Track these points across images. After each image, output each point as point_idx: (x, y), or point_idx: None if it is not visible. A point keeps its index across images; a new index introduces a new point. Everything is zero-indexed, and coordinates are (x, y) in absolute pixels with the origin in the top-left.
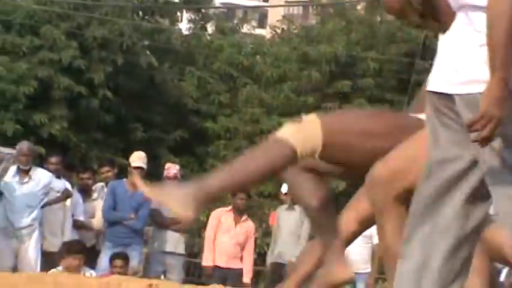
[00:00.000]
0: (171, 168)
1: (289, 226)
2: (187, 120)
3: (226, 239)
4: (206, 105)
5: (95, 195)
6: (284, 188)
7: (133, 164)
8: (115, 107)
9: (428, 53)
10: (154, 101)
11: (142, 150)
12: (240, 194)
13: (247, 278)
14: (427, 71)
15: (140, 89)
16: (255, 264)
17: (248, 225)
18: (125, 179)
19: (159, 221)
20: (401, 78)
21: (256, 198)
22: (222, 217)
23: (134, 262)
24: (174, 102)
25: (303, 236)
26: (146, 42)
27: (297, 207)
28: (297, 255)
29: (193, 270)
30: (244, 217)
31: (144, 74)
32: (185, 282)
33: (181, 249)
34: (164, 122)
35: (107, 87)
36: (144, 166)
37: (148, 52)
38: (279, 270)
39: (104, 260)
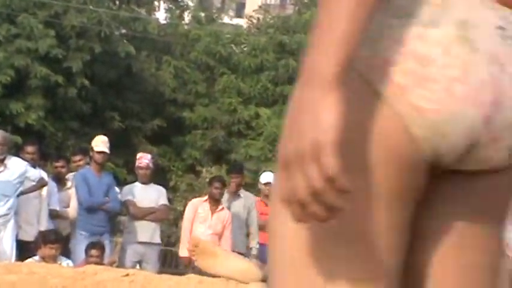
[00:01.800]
0: (143, 158)
1: (234, 213)
2: (165, 109)
3: (203, 229)
4: (183, 94)
5: (68, 184)
6: (263, 178)
7: (96, 149)
8: (92, 96)
9: None
10: (131, 90)
11: (119, 140)
12: (215, 183)
13: None
14: None
15: (117, 78)
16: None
17: (225, 214)
18: (87, 166)
19: (133, 212)
20: None
21: None
22: (198, 207)
23: (108, 251)
24: (151, 91)
25: (252, 223)
26: (123, 31)
27: (242, 193)
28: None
29: (170, 259)
30: (221, 206)
31: (121, 63)
32: (161, 272)
33: (157, 239)
34: (141, 111)
35: (84, 76)
36: (107, 151)
37: (125, 41)
38: None
39: (78, 249)
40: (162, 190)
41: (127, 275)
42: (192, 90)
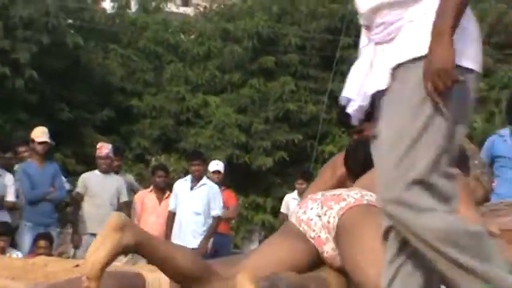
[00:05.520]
0: (103, 148)
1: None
2: (113, 99)
3: (154, 219)
4: (131, 83)
5: (17, 175)
6: (211, 167)
7: (38, 140)
8: (40, 87)
9: (351, 29)
10: (79, 80)
11: (68, 130)
12: (158, 172)
13: None
14: (351, 47)
15: (65, 68)
16: None
17: None
18: (29, 159)
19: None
20: (324, 55)
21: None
22: (145, 198)
23: (56, 242)
24: (99, 81)
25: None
26: (70, 21)
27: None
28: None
29: None
30: (167, 193)
31: (69, 54)
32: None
33: None
34: (89, 101)
35: (31, 68)
36: (49, 140)
37: (72, 31)
38: None
39: (23, 240)
40: (122, 182)
41: (77, 265)
42: (140, 79)
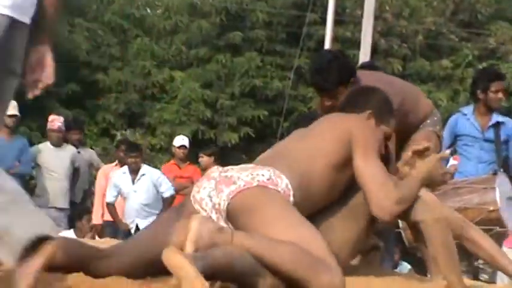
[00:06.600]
0: (55, 121)
1: None
2: (79, 73)
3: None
4: (97, 57)
5: None
6: (177, 141)
7: (8, 113)
8: None
9: (318, 5)
10: None
11: (33, 103)
12: (123, 146)
13: None
14: (317, 23)
15: None
16: None
17: None
18: None
19: None
20: (291, 31)
21: (147, 152)
22: (110, 173)
23: None
24: (65, 55)
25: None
26: None
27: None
28: None
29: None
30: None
31: None
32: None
33: (66, 204)
34: (55, 75)
35: None
36: (18, 113)
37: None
38: None
39: None
40: (74, 151)
41: None
42: (105, 53)
